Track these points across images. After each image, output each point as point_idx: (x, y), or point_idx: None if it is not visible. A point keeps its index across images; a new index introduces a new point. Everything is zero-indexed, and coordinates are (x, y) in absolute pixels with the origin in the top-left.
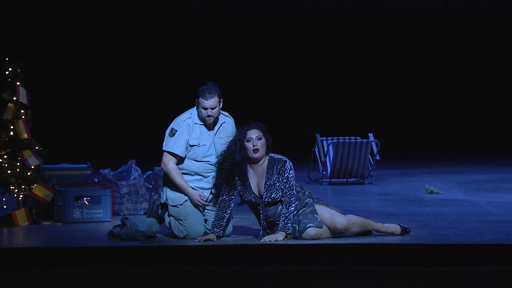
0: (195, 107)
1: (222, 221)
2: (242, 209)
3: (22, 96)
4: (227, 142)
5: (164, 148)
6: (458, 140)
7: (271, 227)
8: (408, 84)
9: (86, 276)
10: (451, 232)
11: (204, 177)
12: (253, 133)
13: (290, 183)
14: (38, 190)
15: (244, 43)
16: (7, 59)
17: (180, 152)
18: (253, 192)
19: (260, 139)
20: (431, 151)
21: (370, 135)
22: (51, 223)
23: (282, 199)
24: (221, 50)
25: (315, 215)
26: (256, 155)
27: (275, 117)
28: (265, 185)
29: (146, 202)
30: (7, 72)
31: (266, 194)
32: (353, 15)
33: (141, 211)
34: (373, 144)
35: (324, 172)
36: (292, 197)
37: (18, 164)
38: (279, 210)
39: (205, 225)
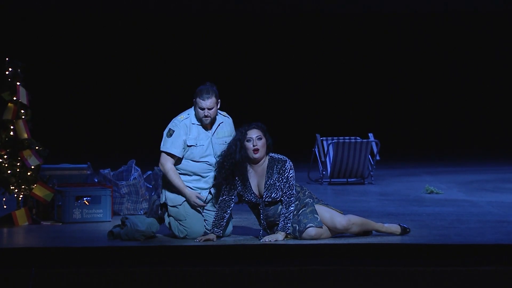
0: (193, 107)
1: (222, 221)
2: (242, 209)
3: (22, 96)
4: (225, 142)
5: (161, 149)
6: (458, 140)
7: (271, 227)
8: (408, 84)
9: (86, 276)
10: (451, 232)
11: (203, 177)
12: (253, 133)
13: (290, 183)
14: (38, 190)
15: (244, 43)
16: (7, 59)
17: (177, 152)
18: (253, 192)
19: (260, 139)
20: (431, 151)
21: (370, 135)
22: (51, 223)
23: (282, 199)
24: (221, 50)
25: (315, 215)
26: (256, 155)
27: (275, 117)
28: (265, 185)
29: (146, 202)
30: (7, 72)
31: (266, 194)
32: (353, 15)
33: (141, 211)
34: (373, 144)
35: (324, 172)
36: (292, 197)
37: (18, 164)
38: (279, 210)
39: (205, 225)
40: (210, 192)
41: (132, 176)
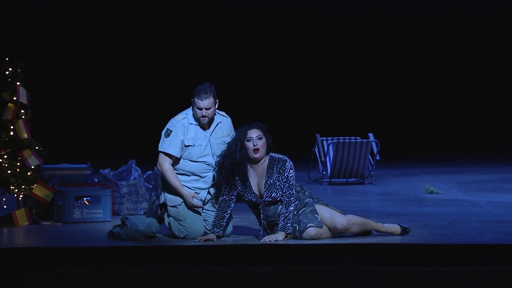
0: (191, 107)
1: (222, 221)
2: (242, 209)
3: (22, 96)
4: (224, 142)
5: (159, 149)
6: (458, 140)
7: (271, 227)
8: (408, 84)
9: (86, 276)
10: (451, 232)
11: (201, 177)
12: (254, 133)
13: (290, 182)
14: (38, 190)
15: (244, 43)
16: (7, 59)
17: (175, 152)
18: (254, 192)
19: (260, 138)
20: (431, 151)
21: (370, 135)
22: (51, 223)
23: (282, 198)
24: (221, 50)
25: (315, 215)
26: (257, 155)
27: (275, 117)
28: (265, 184)
29: (146, 202)
30: (7, 72)
31: (267, 194)
32: (353, 15)
33: (141, 211)
34: (373, 144)
35: (324, 172)
36: (291, 196)
37: (18, 164)
38: (279, 210)
39: (205, 225)
40: (209, 192)
41: (132, 176)
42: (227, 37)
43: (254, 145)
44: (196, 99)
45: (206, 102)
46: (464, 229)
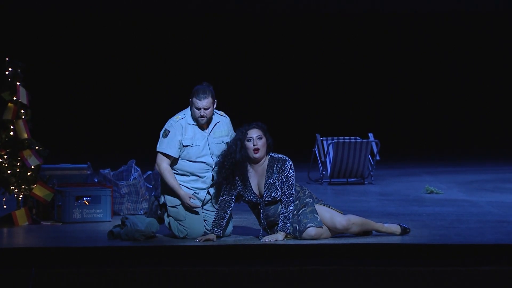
0: (189, 107)
1: (222, 221)
2: (242, 209)
3: (22, 96)
4: (222, 142)
5: (157, 149)
6: (458, 140)
7: (271, 227)
8: (408, 84)
9: (86, 276)
10: (451, 232)
11: (200, 177)
12: (254, 133)
13: (289, 182)
14: (38, 190)
15: (244, 43)
16: (7, 59)
17: (173, 153)
18: (254, 192)
19: (260, 138)
20: (431, 151)
21: (370, 135)
22: (51, 223)
23: (281, 198)
24: (221, 50)
25: (315, 215)
26: (257, 155)
27: (275, 117)
28: (265, 184)
29: (146, 202)
30: (7, 72)
31: (267, 193)
32: (353, 15)
33: (141, 211)
34: (373, 144)
35: (324, 172)
36: (291, 196)
37: (18, 164)
38: (279, 210)
39: (205, 225)
40: (208, 192)
41: (132, 176)
42: (227, 37)
43: (254, 145)
44: (194, 99)
45: (204, 102)
46: (464, 229)
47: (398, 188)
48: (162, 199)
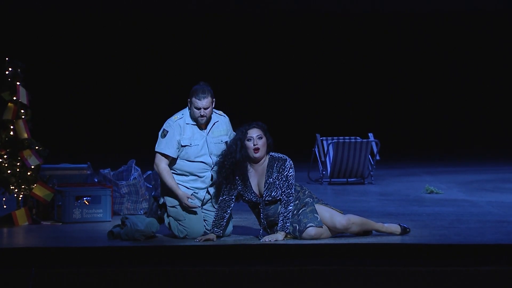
0: (187, 107)
1: (222, 221)
2: (242, 209)
3: (22, 96)
4: (221, 141)
5: (156, 149)
6: (458, 140)
7: (271, 227)
8: (408, 84)
9: (86, 276)
10: (451, 232)
11: (199, 177)
12: (254, 132)
13: (289, 181)
14: (38, 190)
15: (244, 43)
16: (7, 59)
17: (171, 153)
18: (254, 192)
19: (260, 138)
20: (431, 151)
21: (370, 135)
22: (51, 223)
23: (281, 197)
24: (221, 50)
25: (315, 215)
26: (257, 155)
27: (275, 117)
28: (265, 183)
29: (146, 202)
30: (7, 72)
31: (266, 193)
32: (353, 15)
33: (141, 211)
34: (373, 144)
35: (324, 172)
36: (290, 196)
37: (18, 164)
38: (279, 210)
39: (205, 225)
40: (208, 192)
41: (132, 176)
42: (227, 37)
43: (254, 145)
44: (194, 99)
45: (204, 102)
46: (464, 229)
47: (398, 188)
48: (161, 200)
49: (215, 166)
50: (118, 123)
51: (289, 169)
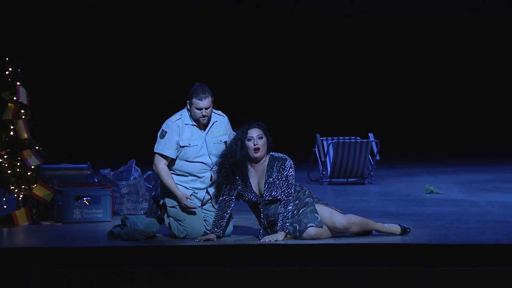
0: (185, 108)
1: (222, 221)
2: (242, 209)
3: (22, 96)
4: (220, 141)
5: (155, 150)
6: (458, 140)
7: (271, 227)
8: (408, 84)
9: (86, 276)
10: (451, 232)
11: (199, 177)
12: (254, 132)
13: (288, 181)
14: (38, 190)
15: (244, 43)
16: (7, 59)
17: (170, 153)
18: (254, 191)
19: (261, 138)
20: (431, 151)
21: (370, 135)
22: (51, 223)
23: (280, 197)
24: (221, 50)
25: (316, 215)
26: (257, 154)
27: (275, 117)
28: (265, 183)
29: (146, 202)
30: (7, 72)
31: (267, 193)
32: (353, 15)
33: (141, 211)
34: (373, 144)
35: (324, 172)
36: (290, 196)
37: (18, 164)
38: (279, 209)
39: (205, 225)
40: (207, 192)
41: (132, 176)
42: (227, 37)
43: (254, 144)
44: (195, 100)
45: (206, 102)
46: (464, 229)
47: (398, 188)
48: (161, 201)
49: (215, 166)
50: (118, 123)
51: (289, 169)
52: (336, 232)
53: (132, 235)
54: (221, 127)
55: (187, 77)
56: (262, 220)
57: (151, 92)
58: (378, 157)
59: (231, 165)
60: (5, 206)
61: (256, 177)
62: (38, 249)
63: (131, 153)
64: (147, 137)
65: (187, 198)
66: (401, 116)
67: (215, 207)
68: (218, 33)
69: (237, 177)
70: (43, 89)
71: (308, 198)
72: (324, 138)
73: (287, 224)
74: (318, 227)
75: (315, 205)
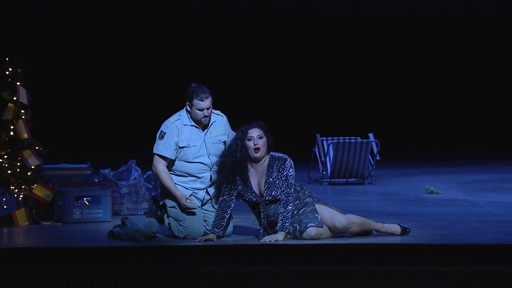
0: (184, 109)
1: (222, 221)
2: (242, 209)
3: (22, 96)
4: (220, 141)
5: (154, 151)
6: (458, 140)
7: (272, 227)
8: (408, 84)
9: (86, 276)
10: (451, 232)
11: (198, 178)
12: (254, 132)
13: (288, 181)
14: (38, 190)
15: (244, 43)
16: (7, 59)
17: (169, 154)
18: (254, 191)
19: (261, 138)
20: (431, 151)
21: (370, 135)
22: (51, 223)
23: (280, 197)
24: (221, 50)
25: (316, 215)
26: (257, 154)
27: (275, 117)
28: (265, 183)
29: (146, 202)
30: (7, 72)
31: (267, 192)
32: (353, 15)
33: (141, 211)
34: (373, 144)
35: (324, 172)
36: (289, 196)
37: (18, 164)
38: (279, 209)
39: (205, 225)
40: (207, 192)
41: (132, 176)
42: (227, 37)
43: (255, 144)
44: (196, 101)
45: (207, 102)
46: (464, 229)
47: (398, 188)
48: (161, 201)
49: (215, 166)
50: (118, 123)
51: (289, 169)
52: (336, 232)
53: (132, 235)
54: (220, 127)
55: (187, 77)
56: (262, 220)
57: (151, 92)
58: (378, 157)
59: (231, 165)
60: (5, 206)
61: (256, 177)
62: (38, 249)
63: (131, 153)
64: (147, 137)
65: (187, 199)
66: (401, 116)
67: (215, 207)
68: (218, 33)
69: (237, 177)
70: (43, 89)
71: (308, 198)
72: (324, 138)
73: (287, 224)
74: (318, 227)
75: (315, 205)
